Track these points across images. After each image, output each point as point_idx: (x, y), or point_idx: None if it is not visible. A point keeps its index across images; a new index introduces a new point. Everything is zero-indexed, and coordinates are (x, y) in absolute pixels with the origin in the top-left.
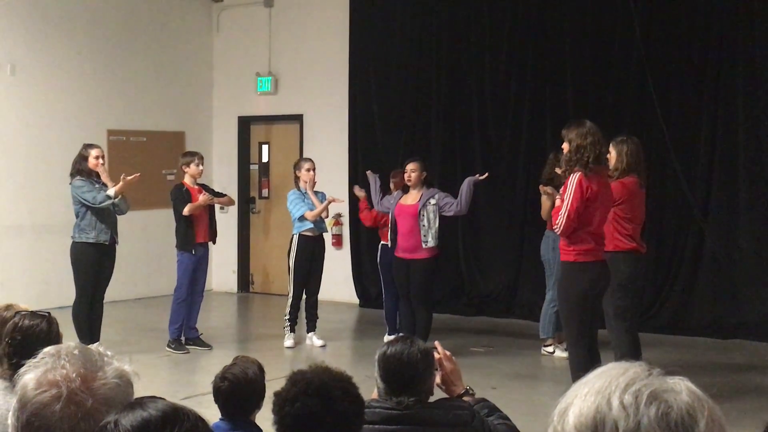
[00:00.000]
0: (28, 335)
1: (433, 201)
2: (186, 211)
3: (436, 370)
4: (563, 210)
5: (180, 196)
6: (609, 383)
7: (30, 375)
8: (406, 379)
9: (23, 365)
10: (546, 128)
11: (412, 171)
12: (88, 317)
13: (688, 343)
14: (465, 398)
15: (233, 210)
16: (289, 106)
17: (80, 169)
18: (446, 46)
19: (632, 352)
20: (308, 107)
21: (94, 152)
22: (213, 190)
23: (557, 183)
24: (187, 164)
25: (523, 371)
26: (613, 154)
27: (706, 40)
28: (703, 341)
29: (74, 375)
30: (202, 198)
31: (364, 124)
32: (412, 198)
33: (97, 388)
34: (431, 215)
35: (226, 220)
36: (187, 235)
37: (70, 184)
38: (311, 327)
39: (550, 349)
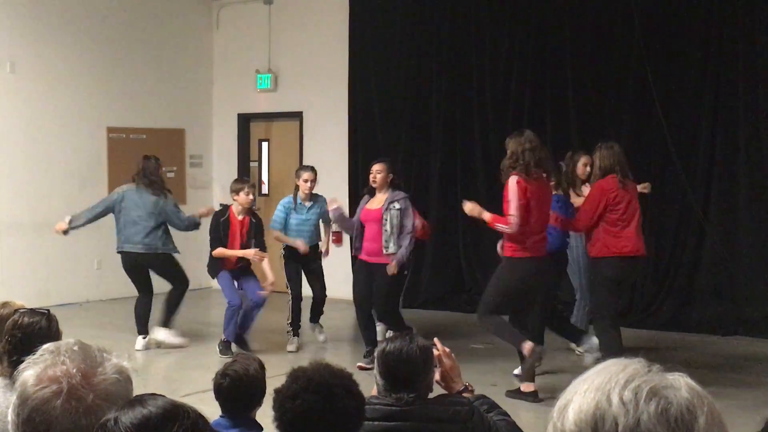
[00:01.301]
0: (27, 332)
1: (397, 205)
2: (215, 253)
3: (435, 366)
4: (513, 211)
5: (217, 225)
6: (609, 380)
7: (30, 371)
8: (406, 376)
9: (23, 362)
10: (546, 127)
11: (377, 172)
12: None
13: (688, 341)
14: (464, 395)
15: None
16: (289, 104)
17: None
18: (446, 44)
19: (613, 349)
20: (308, 104)
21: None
22: (258, 216)
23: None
24: (236, 192)
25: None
26: (596, 163)
27: (707, 38)
28: (702, 338)
29: (74, 371)
30: (238, 252)
31: (364, 120)
32: (377, 201)
33: (97, 383)
34: (394, 220)
35: None
36: (215, 264)
37: (165, 198)
38: (315, 319)
39: (581, 348)
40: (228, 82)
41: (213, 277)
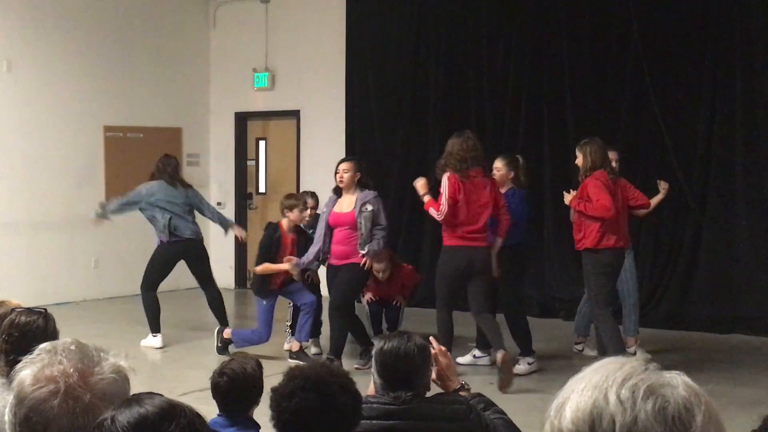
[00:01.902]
0: (25, 332)
1: (369, 207)
2: (258, 269)
3: (432, 365)
4: (442, 201)
5: (270, 243)
6: (606, 378)
7: (27, 371)
8: (403, 374)
9: (20, 362)
10: (544, 123)
11: (344, 171)
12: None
13: (685, 338)
14: (461, 393)
15: (230, 206)
16: (286, 102)
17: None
18: (444, 41)
19: (616, 339)
20: (305, 103)
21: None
22: (307, 234)
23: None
24: (290, 208)
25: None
26: (579, 158)
27: (704, 37)
28: (700, 336)
29: (72, 370)
30: (286, 266)
31: (362, 119)
32: (347, 204)
33: (94, 383)
34: (368, 223)
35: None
36: (263, 282)
37: (191, 189)
38: (314, 333)
39: (580, 347)
40: (225, 80)
41: (261, 298)
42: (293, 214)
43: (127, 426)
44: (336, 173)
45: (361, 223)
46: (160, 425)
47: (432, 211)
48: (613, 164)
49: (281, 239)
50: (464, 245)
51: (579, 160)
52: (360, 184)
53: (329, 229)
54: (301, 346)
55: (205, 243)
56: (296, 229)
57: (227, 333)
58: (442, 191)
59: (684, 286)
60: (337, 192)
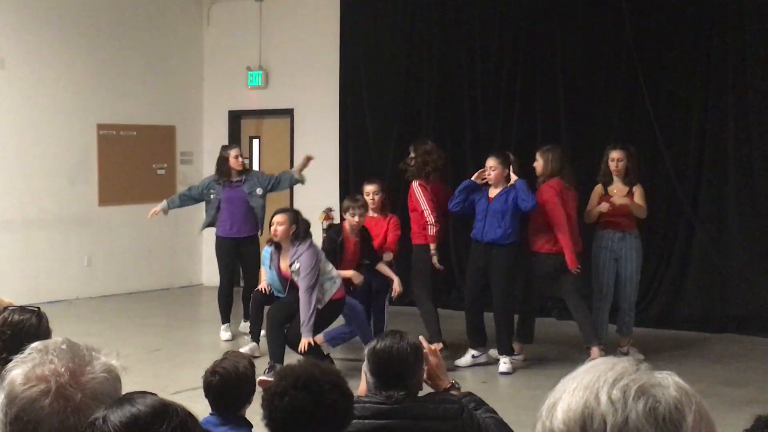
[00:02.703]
0: (18, 330)
1: (297, 264)
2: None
3: (424, 364)
4: (427, 211)
5: (334, 248)
6: (597, 378)
7: (18, 370)
8: (396, 373)
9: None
10: (537, 123)
11: (278, 224)
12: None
13: (677, 338)
14: (452, 392)
15: None
16: (280, 101)
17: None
18: (437, 40)
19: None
20: (299, 101)
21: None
22: (369, 237)
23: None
24: (345, 210)
25: (514, 365)
26: (540, 162)
27: (697, 35)
28: (692, 335)
29: (63, 369)
30: (349, 273)
31: (355, 117)
32: (285, 260)
33: (86, 382)
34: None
35: None
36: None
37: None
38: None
39: (624, 349)
40: (218, 79)
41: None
42: (347, 218)
43: (119, 426)
44: (270, 225)
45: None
46: (152, 425)
47: (429, 228)
48: (616, 164)
49: (344, 246)
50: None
51: (539, 165)
52: (296, 237)
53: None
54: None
55: (198, 241)
56: (359, 231)
57: (319, 339)
58: (419, 200)
59: (676, 286)
60: (277, 247)
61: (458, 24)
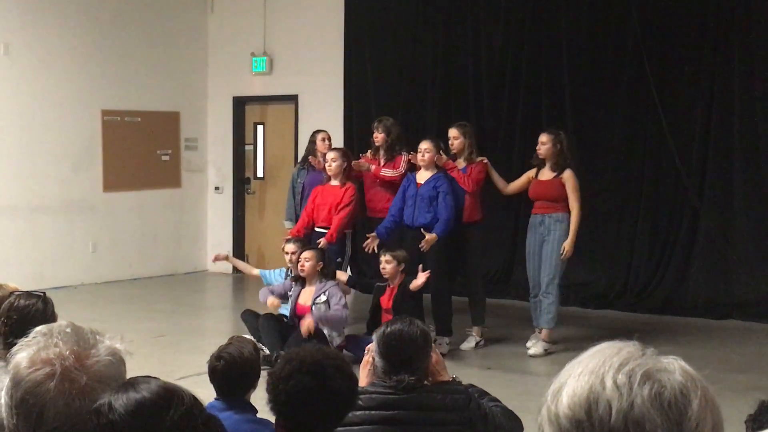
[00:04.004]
0: (23, 315)
1: (323, 297)
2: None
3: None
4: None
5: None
6: (603, 363)
7: (23, 354)
8: (406, 356)
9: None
10: (541, 108)
11: (306, 260)
12: None
13: (682, 324)
14: None
15: (228, 191)
16: (284, 87)
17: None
18: (442, 25)
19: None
20: (303, 87)
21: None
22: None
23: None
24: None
25: (518, 351)
26: (460, 140)
27: (703, 20)
28: (696, 321)
29: (67, 353)
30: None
31: (360, 103)
32: (306, 295)
33: (90, 365)
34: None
35: (222, 202)
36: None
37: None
38: None
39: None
40: (223, 65)
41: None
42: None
43: (125, 414)
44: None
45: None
46: (158, 412)
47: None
48: (539, 147)
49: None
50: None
51: (459, 142)
52: (323, 274)
53: (295, 316)
54: None
55: (203, 227)
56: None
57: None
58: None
59: (681, 272)
60: (300, 281)
61: (463, 9)
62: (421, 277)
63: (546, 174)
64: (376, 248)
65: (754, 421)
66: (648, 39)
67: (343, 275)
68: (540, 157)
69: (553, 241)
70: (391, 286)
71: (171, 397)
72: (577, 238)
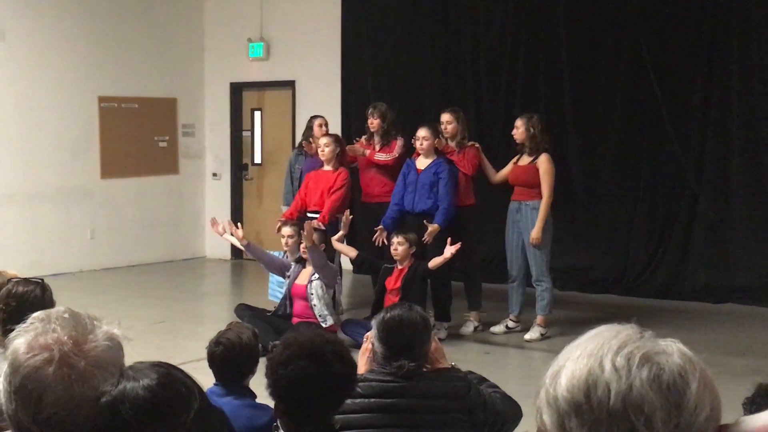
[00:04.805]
0: (22, 301)
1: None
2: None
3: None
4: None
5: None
6: (601, 345)
7: (20, 339)
8: (406, 341)
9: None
10: (540, 93)
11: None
12: None
13: (680, 308)
14: None
15: (226, 178)
16: (282, 72)
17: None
18: (440, 12)
19: None
20: (301, 73)
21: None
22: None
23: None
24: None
25: (516, 336)
26: (454, 124)
27: (702, 4)
28: (695, 305)
29: (65, 338)
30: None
31: (357, 89)
32: (304, 276)
33: (89, 350)
34: (319, 291)
35: (220, 188)
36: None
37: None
38: None
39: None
40: (220, 50)
41: None
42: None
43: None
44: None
45: (313, 295)
46: (173, 411)
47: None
48: (445, 126)
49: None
50: None
51: (453, 127)
52: None
53: (290, 298)
54: None
55: (201, 213)
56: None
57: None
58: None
59: (679, 256)
60: (300, 261)
61: None
62: (449, 251)
63: (524, 159)
64: (385, 240)
65: (751, 403)
66: (646, 24)
67: (351, 251)
68: (517, 141)
69: (529, 230)
70: (400, 268)
71: (172, 385)
72: (576, 222)
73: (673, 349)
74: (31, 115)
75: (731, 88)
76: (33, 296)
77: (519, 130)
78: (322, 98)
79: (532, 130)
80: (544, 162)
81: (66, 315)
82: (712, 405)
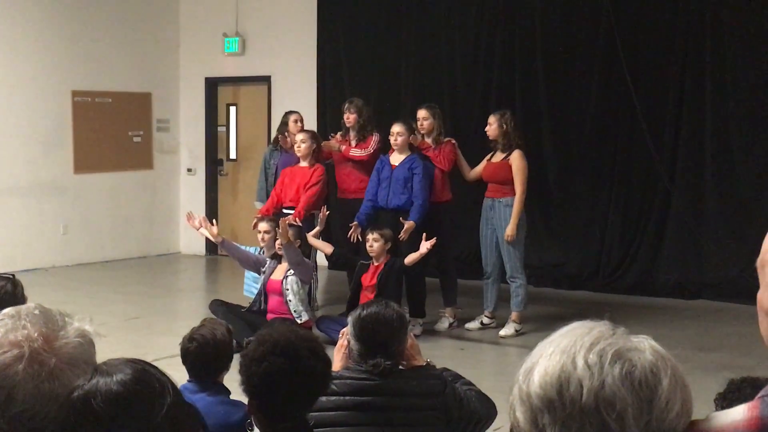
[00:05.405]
0: None
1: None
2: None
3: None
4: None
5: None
6: (574, 342)
7: None
8: (383, 339)
9: None
10: (515, 92)
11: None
12: None
13: (653, 304)
14: None
15: (201, 173)
16: (257, 67)
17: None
18: (416, 8)
19: None
20: (276, 68)
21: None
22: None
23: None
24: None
25: (490, 332)
26: (430, 120)
27: (675, 5)
28: (668, 302)
29: (36, 335)
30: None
31: (333, 85)
32: (279, 271)
33: (60, 347)
34: (295, 286)
35: (194, 183)
36: None
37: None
38: None
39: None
40: (195, 45)
41: None
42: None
43: (102, 405)
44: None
45: (288, 290)
46: (144, 405)
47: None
48: (421, 123)
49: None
50: None
51: (429, 123)
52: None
53: (264, 294)
54: None
55: (175, 209)
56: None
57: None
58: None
59: (652, 253)
60: (275, 257)
61: None
62: (424, 246)
63: (497, 156)
64: (359, 236)
65: (723, 399)
66: (621, 23)
67: (327, 247)
68: (490, 138)
69: (502, 227)
70: (375, 264)
71: (146, 380)
72: (550, 219)
73: (645, 346)
74: (3, 109)
75: (705, 87)
76: (4, 292)
77: (492, 126)
78: (297, 93)
79: (504, 126)
80: (517, 158)
81: (36, 311)
82: (684, 401)
